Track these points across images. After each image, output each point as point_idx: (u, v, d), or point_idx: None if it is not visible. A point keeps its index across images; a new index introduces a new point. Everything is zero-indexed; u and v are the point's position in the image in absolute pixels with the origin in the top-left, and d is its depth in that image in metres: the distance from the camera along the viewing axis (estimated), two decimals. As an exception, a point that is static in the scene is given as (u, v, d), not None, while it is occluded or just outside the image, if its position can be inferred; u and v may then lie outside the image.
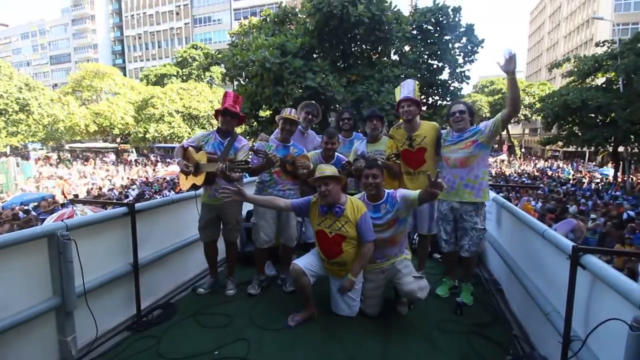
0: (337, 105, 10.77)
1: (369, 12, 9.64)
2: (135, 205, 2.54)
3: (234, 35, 15.96)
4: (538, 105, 22.56)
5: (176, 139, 30.72)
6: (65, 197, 15.25)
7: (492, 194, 3.69)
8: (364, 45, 11.85)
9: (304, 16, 11.53)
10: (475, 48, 12.38)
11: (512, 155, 38.74)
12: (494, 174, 20.94)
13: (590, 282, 1.66)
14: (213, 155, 2.72)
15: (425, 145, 2.99)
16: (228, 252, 3.11)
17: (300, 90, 9.66)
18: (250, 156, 2.92)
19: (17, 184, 17.99)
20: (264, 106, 12.02)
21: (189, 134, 30.35)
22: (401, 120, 3.14)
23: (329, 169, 2.56)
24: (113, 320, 2.49)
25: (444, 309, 2.80)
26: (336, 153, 3.25)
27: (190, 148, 2.83)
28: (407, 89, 3.02)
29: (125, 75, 50.37)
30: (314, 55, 11.16)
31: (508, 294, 3.00)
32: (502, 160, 33.52)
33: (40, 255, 2.01)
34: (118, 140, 39.63)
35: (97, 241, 2.35)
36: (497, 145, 42.89)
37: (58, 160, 34.40)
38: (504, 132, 41.64)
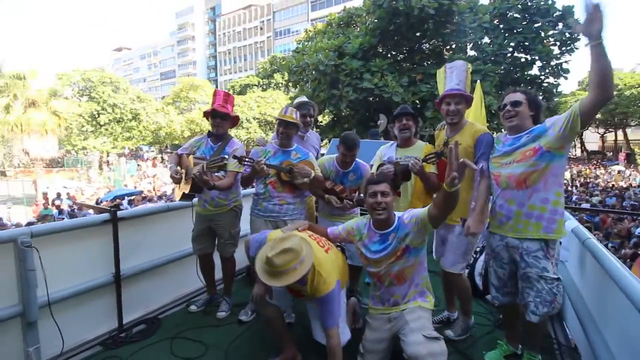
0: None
1: (436, 2, 8.64)
2: (118, 212, 2.40)
3: (300, 42, 16.24)
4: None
5: (252, 144, 32.97)
6: (156, 192, 17.38)
7: (572, 223, 2.60)
8: (433, 42, 10.79)
9: (364, 14, 11.00)
10: (576, 35, 10.21)
11: (633, 166, 31.54)
12: (602, 187, 17.14)
13: None
14: (200, 160, 2.46)
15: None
16: (223, 268, 2.80)
17: (356, 93, 9.14)
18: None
19: (121, 180, 21.17)
20: (325, 110, 11.82)
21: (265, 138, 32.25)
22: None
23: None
24: (94, 331, 2.36)
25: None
26: (357, 159, 2.70)
27: (184, 155, 2.61)
28: (456, 76, 2.19)
29: (216, 87, 56.26)
30: (375, 55, 10.53)
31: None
32: (619, 172, 27.51)
33: (7, 260, 1.97)
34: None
35: (73, 249, 2.25)
36: (611, 154, 35.59)
37: (161, 160, 39.98)
38: (621, 137, 34.33)
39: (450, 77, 2.22)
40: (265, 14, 58.64)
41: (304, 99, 3.35)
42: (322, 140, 13.89)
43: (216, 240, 2.72)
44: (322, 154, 3.45)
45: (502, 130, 2.32)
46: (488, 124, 5.80)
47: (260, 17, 58.99)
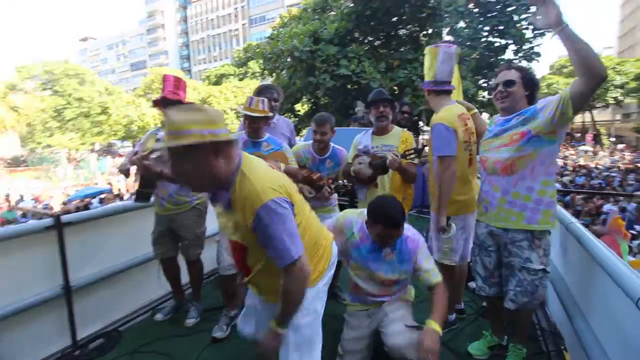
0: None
1: (411, -16, 8.46)
2: (62, 217, 2.11)
3: (275, 28, 15.71)
4: (633, 84, 18.65)
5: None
6: (127, 190, 16.64)
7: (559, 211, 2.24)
8: (409, 27, 10.65)
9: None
10: (548, 18, 10.34)
11: (599, 146, 33.09)
12: (571, 168, 17.85)
13: None
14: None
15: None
16: (190, 272, 2.57)
17: (333, 80, 8.92)
18: None
19: (91, 178, 20.18)
20: (302, 99, 11.54)
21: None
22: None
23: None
24: (43, 351, 2.11)
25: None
26: (332, 144, 2.51)
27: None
28: (447, 64, 2.02)
29: (191, 77, 54.26)
30: (352, 40, 10.29)
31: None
32: (586, 152, 28.76)
33: None
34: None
35: (13, 260, 1.96)
36: (580, 135, 37.15)
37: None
38: (589, 118, 35.83)
39: (441, 65, 2.03)
40: (239, 1, 56.72)
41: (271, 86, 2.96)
42: (299, 131, 13.66)
43: (179, 243, 2.48)
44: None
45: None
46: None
47: (234, 4, 57.03)
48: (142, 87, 43.69)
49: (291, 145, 2.77)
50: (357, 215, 1.87)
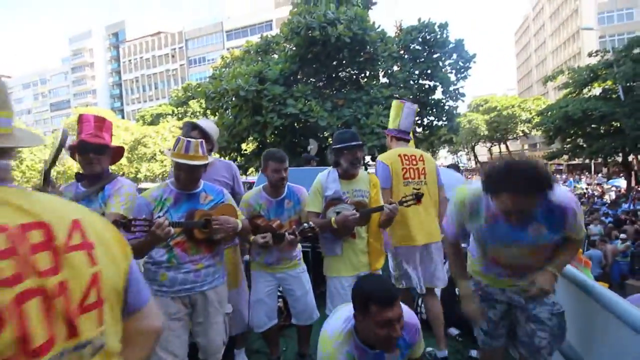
0: (324, 133, 10.00)
1: (350, 31, 9.08)
2: None
3: (216, 68, 15.62)
4: (537, 119, 21.92)
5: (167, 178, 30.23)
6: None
7: None
8: (349, 69, 11.33)
9: (282, 42, 11.06)
10: (468, 64, 11.80)
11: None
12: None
13: None
14: None
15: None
16: None
17: (281, 119, 8.91)
18: (125, 207, 1.81)
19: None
20: (248, 138, 11.30)
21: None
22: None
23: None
24: None
25: None
26: (288, 184, 2.26)
27: None
28: (410, 118, 2.52)
29: (123, 117, 50.94)
30: (296, 81, 10.56)
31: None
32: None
33: None
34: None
35: None
36: (498, 163, 42.05)
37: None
38: (504, 150, 40.99)
39: (406, 119, 2.48)
40: (177, 42, 56.31)
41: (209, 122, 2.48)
42: (246, 170, 13.16)
43: None
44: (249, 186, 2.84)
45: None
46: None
47: (171, 45, 56.31)
48: (63, 127, 39.71)
49: (234, 191, 2.39)
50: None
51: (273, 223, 2.14)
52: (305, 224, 2.06)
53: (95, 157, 1.78)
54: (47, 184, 1.71)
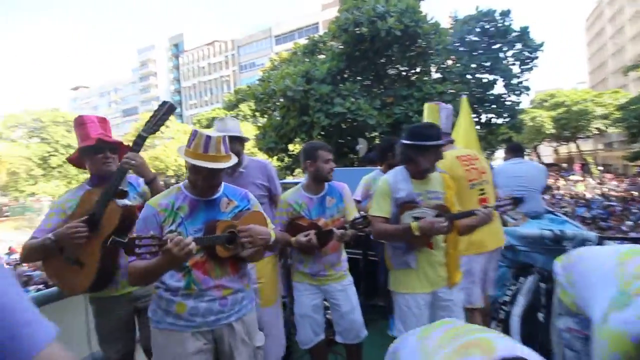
0: (372, 132, 9.62)
1: (401, 24, 8.60)
2: None
3: (265, 71, 15.99)
4: (616, 114, 19.25)
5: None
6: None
7: None
8: (399, 66, 10.81)
9: (328, 39, 10.90)
10: (534, 53, 10.62)
11: (588, 175, 33.62)
12: (568, 197, 17.68)
13: None
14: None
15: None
16: None
17: (328, 119, 8.72)
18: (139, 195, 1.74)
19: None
20: (295, 138, 11.31)
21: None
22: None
23: None
24: None
25: None
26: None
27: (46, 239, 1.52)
28: (449, 120, 2.30)
29: (182, 122, 54.96)
30: (344, 80, 10.32)
31: None
32: (576, 181, 29.07)
33: None
34: (172, 181, 42.44)
35: None
36: (566, 164, 37.90)
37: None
38: (575, 149, 36.78)
39: (448, 119, 2.28)
40: (230, 49, 59.35)
41: (223, 123, 2.10)
42: (293, 171, 13.24)
43: (137, 331, 1.78)
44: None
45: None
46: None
47: (224, 52, 59.54)
48: (132, 132, 43.88)
49: (272, 193, 2.15)
50: None
51: (318, 222, 1.93)
52: (357, 215, 1.80)
53: (111, 156, 1.69)
54: (137, 147, 1.61)
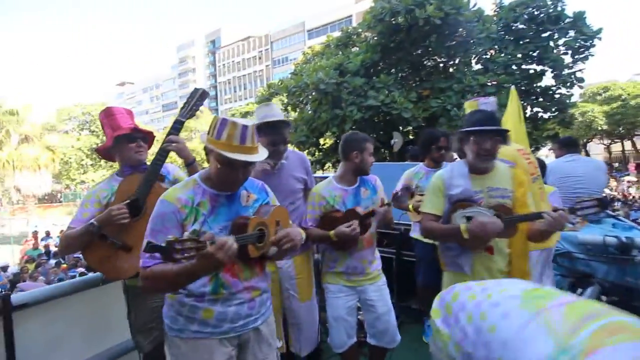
0: (407, 126, 9.27)
1: (442, 11, 8.12)
2: (13, 296, 1.49)
3: (298, 65, 15.93)
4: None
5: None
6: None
7: None
8: (436, 57, 10.29)
9: (363, 30, 10.59)
10: (590, 41, 9.64)
11: (646, 176, 30.55)
12: (623, 198, 16.14)
13: None
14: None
15: None
16: None
17: (361, 112, 8.49)
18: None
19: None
20: (327, 132, 11.19)
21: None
22: None
23: None
24: None
25: None
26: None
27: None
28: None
29: (217, 115, 56.80)
30: (378, 72, 9.99)
31: None
32: (631, 182, 26.51)
33: None
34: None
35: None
36: (618, 164, 34.73)
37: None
38: (630, 147, 33.59)
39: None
40: (264, 44, 60.22)
41: (269, 108, 1.98)
42: (323, 165, 13.14)
43: None
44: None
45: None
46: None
47: (258, 48, 60.50)
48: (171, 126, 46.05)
49: (308, 187, 2.07)
50: None
51: (357, 209, 1.84)
52: (397, 190, 1.71)
53: (144, 145, 1.70)
54: (175, 132, 1.69)
